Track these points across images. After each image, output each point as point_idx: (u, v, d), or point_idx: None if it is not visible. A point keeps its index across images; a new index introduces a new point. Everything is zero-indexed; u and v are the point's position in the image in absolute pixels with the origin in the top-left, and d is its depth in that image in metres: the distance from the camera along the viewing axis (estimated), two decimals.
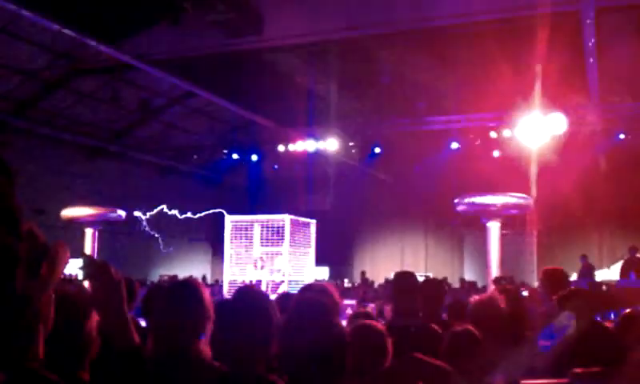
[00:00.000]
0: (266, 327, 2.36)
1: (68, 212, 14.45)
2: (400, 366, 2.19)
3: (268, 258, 13.50)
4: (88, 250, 14.53)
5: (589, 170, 18.39)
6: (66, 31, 12.67)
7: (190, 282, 2.43)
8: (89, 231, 14.74)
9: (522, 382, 2.81)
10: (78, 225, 14.67)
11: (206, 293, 2.32)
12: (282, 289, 12.34)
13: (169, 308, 2.28)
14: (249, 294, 2.59)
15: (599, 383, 2.63)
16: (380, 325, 3.40)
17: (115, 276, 1.84)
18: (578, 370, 2.72)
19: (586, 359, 2.87)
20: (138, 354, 1.79)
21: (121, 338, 1.79)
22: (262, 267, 13.10)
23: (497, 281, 11.03)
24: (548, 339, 3.18)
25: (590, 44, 12.15)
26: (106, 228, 15.41)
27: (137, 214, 15.51)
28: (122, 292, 1.81)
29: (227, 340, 2.35)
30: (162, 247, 22.08)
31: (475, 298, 3.85)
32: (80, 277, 1.95)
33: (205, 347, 2.24)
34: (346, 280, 21.97)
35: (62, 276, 1.57)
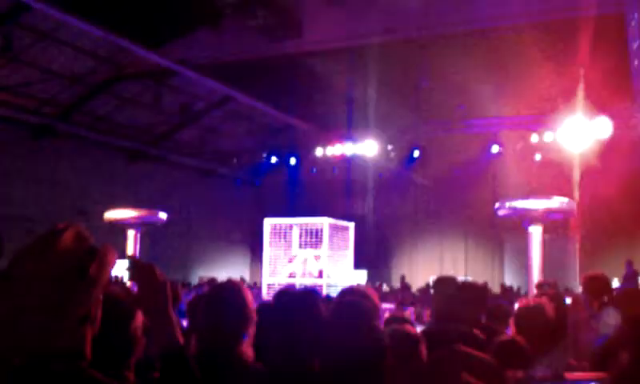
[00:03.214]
0: (311, 328, 2.37)
1: (111, 214, 14.62)
2: (444, 357, 2.18)
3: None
4: (130, 251, 14.72)
5: (634, 174, 17.98)
6: (110, 37, 12.91)
7: (232, 284, 2.45)
8: (131, 233, 14.90)
9: (566, 374, 2.77)
10: (120, 226, 14.86)
11: (249, 295, 2.34)
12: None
13: (212, 310, 2.31)
14: (293, 295, 2.60)
15: None
16: (415, 330, 3.38)
17: (160, 277, 1.87)
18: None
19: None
20: (182, 355, 1.81)
21: (166, 339, 1.81)
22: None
23: (540, 286, 10.82)
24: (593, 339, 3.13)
25: (635, 46, 11.88)
26: (145, 230, 15.59)
27: (177, 216, 15.70)
28: (168, 293, 1.84)
29: (271, 341, 2.36)
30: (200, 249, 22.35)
31: (522, 301, 3.79)
32: (126, 278, 1.98)
33: (247, 348, 2.26)
34: (384, 284, 21.88)
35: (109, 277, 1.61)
